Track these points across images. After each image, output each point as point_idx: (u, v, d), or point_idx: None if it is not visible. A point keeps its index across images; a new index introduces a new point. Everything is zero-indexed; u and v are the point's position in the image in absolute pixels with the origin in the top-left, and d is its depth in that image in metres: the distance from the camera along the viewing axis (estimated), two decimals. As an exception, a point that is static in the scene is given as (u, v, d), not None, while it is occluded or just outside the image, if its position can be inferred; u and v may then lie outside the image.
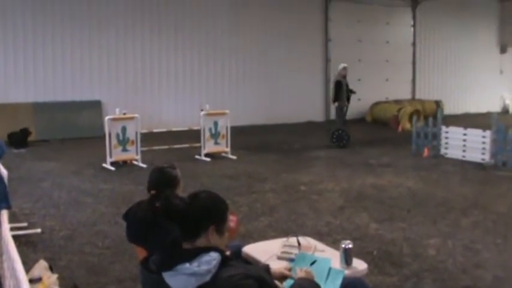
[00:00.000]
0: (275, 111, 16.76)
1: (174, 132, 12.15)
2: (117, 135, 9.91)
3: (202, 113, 10.94)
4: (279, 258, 3.28)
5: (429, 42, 20.34)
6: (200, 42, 15.89)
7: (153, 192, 3.28)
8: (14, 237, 4.24)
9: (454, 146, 10.83)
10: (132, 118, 10.23)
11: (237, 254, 3.31)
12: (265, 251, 3.36)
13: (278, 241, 3.61)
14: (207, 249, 2.29)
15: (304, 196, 7.71)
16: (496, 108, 21.14)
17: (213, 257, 2.26)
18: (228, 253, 2.42)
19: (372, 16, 18.73)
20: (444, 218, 6.57)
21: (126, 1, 14.78)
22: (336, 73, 13.26)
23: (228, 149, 10.97)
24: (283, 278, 2.82)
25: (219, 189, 6.00)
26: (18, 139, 11.95)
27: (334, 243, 4.48)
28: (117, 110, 10.39)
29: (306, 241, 3.54)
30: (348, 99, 12.45)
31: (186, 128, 12.02)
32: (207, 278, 2.22)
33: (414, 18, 19.96)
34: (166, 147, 11.20)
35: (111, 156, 9.77)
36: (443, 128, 11.09)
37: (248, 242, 3.85)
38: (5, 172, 5.29)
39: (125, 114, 10.31)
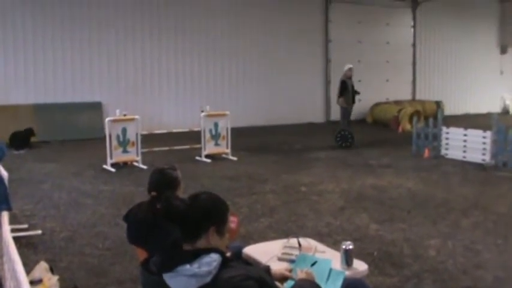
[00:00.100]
0: (275, 112, 16.77)
1: (175, 134, 12.16)
2: (118, 136, 9.91)
3: (203, 114, 10.94)
4: (280, 259, 3.28)
5: (429, 43, 20.35)
6: (200, 44, 15.90)
7: (153, 193, 3.28)
8: (15, 238, 4.24)
9: (455, 146, 10.83)
10: (132, 119, 10.23)
11: (238, 255, 3.31)
12: (266, 252, 3.36)
13: (278, 242, 3.61)
14: (208, 251, 2.29)
15: (305, 197, 7.71)
16: (496, 108, 21.15)
17: (214, 258, 2.26)
18: (228, 254, 2.42)
19: (372, 17, 18.74)
20: (444, 219, 6.56)
21: (126, 3, 14.80)
22: (339, 74, 13.27)
23: (229, 150, 10.98)
24: (283, 279, 2.82)
25: (219, 191, 5.99)
26: (21, 139, 11.95)
27: (334, 244, 4.49)
28: (118, 111, 10.40)
29: (307, 242, 3.54)
30: (353, 100, 12.50)
31: (186, 129, 12.03)
32: (208, 279, 2.22)
33: (414, 19, 19.97)
34: (166, 148, 11.21)
35: (111, 158, 9.77)
36: (444, 129, 11.09)
37: (248, 243, 3.85)
38: (5, 174, 5.29)
39: (125, 115, 10.32)
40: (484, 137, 10.25)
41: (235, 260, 2.56)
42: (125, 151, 9.95)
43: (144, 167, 9.68)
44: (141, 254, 3.24)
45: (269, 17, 16.86)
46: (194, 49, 15.84)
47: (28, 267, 3.98)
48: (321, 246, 3.55)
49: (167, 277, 2.28)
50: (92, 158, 10.56)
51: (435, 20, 20.19)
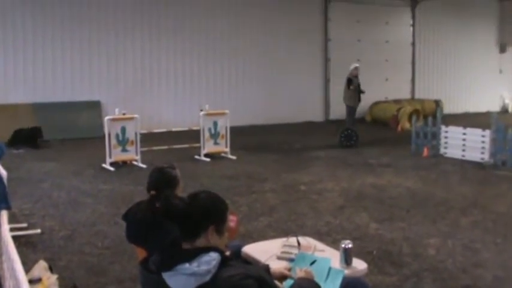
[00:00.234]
0: (274, 111, 16.75)
1: (174, 133, 12.15)
2: (117, 135, 9.90)
3: (202, 113, 10.94)
4: (279, 258, 3.28)
5: (429, 42, 20.33)
6: (200, 43, 15.88)
7: (152, 192, 3.28)
8: (14, 237, 4.24)
9: (454, 145, 10.83)
10: (131, 118, 10.22)
11: (237, 254, 3.31)
12: (265, 251, 3.36)
13: (278, 241, 3.61)
14: (207, 250, 2.29)
15: (304, 196, 7.71)
16: (495, 107, 21.14)
17: (213, 257, 2.26)
18: (227, 253, 2.42)
19: (372, 16, 18.72)
20: (444, 218, 6.57)
21: (126, 2, 14.77)
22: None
23: (228, 149, 10.97)
24: (283, 277, 2.82)
25: (218, 190, 5.99)
26: (28, 137, 11.93)
27: (333, 243, 4.48)
28: (117, 110, 10.39)
29: (306, 241, 3.54)
30: (359, 99, 12.55)
31: (185, 128, 12.01)
32: (207, 278, 2.22)
33: (413, 17, 19.95)
34: (165, 147, 11.20)
35: (110, 157, 9.76)
36: (443, 128, 11.09)
37: (248, 242, 3.85)
38: (4, 173, 5.29)
39: (124, 114, 10.31)
40: (483, 136, 10.25)
41: (234, 259, 2.56)
42: (124, 150, 9.94)
43: (144, 166, 9.67)
44: (141, 253, 3.24)
45: (268, 17, 16.83)
46: (194, 48, 15.81)
47: (27, 266, 3.98)
48: (320, 245, 3.55)
49: (166, 276, 2.28)
50: (91, 157, 10.55)
51: (434, 19, 20.17)
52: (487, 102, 21.29)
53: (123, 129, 9.94)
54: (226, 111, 11.16)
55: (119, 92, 14.54)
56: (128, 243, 3.60)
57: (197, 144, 10.85)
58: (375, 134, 14.66)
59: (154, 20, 15.18)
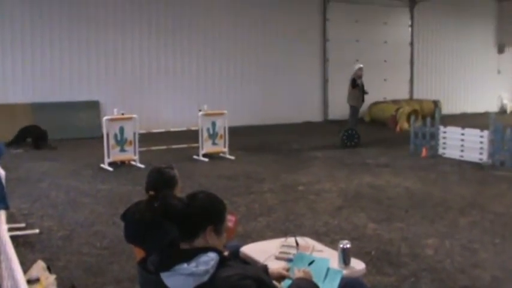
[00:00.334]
0: (273, 111, 16.76)
1: (172, 133, 12.14)
2: (115, 135, 9.90)
3: (200, 113, 10.94)
4: (277, 258, 3.28)
5: (427, 42, 20.35)
6: (198, 43, 15.88)
7: (151, 192, 3.28)
8: (12, 237, 4.23)
9: (452, 145, 10.84)
10: (130, 118, 10.22)
11: (235, 254, 3.31)
12: (264, 251, 3.36)
13: (276, 241, 3.62)
14: (205, 250, 2.29)
15: (302, 196, 7.71)
16: (493, 108, 21.16)
17: (211, 257, 2.26)
18: (226, 253, 2.42)
19: (370, 16, 18.74)
20: (442, 218, 6.57)
21: (125, 2, 14.77)
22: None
23: (226, 149, 10.97)
24: (281, 278, 2.82)
25: (217, 190, 5.98)
26: (37, 138, 11.98)
27: (332, 243, 4.49)
28: (115, 110, 10.39)
29: (304, 241, 3.55)
30: (363, 100, 12.65)
31: (184, 128, 12.00)
32: (205, 278, 2.22)
33: (412, 18, 19.97)
34: (164, 147, 11.20)
35: (109, 157, 9.76)
36: (441, 128, 11.10)
37: (246, 242, 3.85)
38: (3, 173, 5.29)
39: (122, 114, 10.30)
40: (481, 136, 10.26)
41: (232, 259, 2.56)
42: (122, 150, 9.94)
43: (142, 166, 9.67)
44: (139, 253, 3.24)
45: (267, 16, 16.83)
46: (192, 48, 15.83)
47: (25, 266, 3.97)
48: (318, 246, 3.55)
49: (165, 276, 2.28)
50: (90, 157, 10.55)
51: (433, 19, 20.19)
52: (486, 102, 21.32)
53: (122, 129, 9.94)
54: (225, 111, 11.17)
55: (117, 92, 14.54)
56: (126, 244, 3.59)
57: (195, 144, 10.84)
58: (374, 135, 14.66)
59: (153, 19, 15.19)
